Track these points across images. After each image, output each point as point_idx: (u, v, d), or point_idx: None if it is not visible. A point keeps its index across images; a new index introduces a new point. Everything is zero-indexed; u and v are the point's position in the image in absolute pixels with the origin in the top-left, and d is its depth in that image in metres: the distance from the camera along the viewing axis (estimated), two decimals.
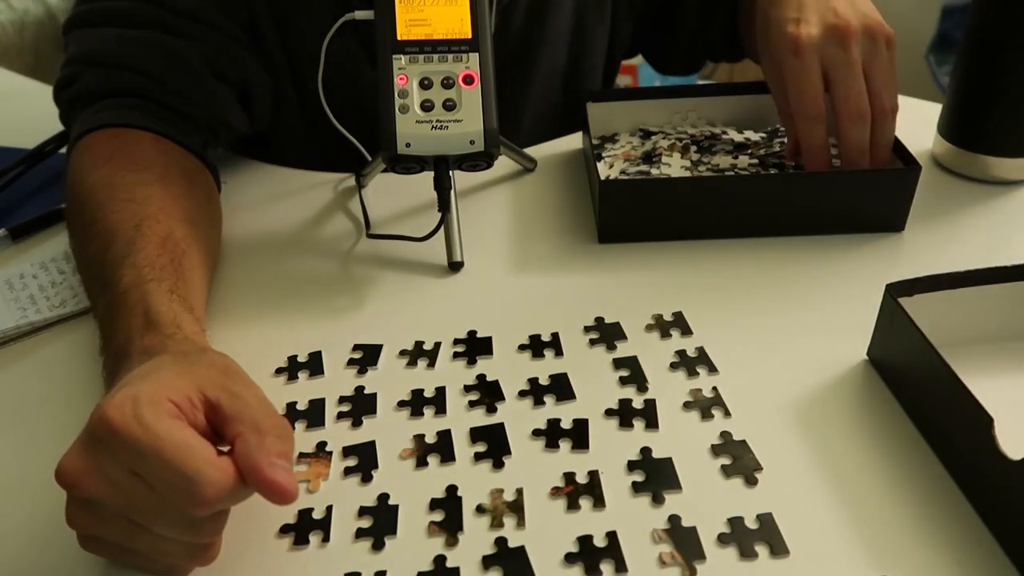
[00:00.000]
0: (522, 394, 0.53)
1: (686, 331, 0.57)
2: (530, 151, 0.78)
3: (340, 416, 0.52)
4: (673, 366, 0.54)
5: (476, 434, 0.50)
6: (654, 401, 0.51)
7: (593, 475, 0.47)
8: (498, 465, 0.48)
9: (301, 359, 0.57)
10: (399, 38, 0.59)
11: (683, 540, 0.43)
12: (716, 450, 0.48)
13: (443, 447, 0.49)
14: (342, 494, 0.47)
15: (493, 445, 0.49)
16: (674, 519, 0.44)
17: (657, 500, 0.45)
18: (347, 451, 0.50)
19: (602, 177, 0.68)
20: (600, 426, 0.50)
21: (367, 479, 0.48)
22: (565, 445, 0.49)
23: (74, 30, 0.69)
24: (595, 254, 0.65)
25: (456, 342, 0.57)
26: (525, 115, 0.88)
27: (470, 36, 0.60)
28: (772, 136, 0.75)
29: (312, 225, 0.71)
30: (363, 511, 0.46)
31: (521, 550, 0.43)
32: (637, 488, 0.46)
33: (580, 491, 0.46)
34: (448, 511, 0.45)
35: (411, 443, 0.50)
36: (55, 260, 0.68)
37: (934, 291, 0.50)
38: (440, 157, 0.60)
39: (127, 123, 0.64)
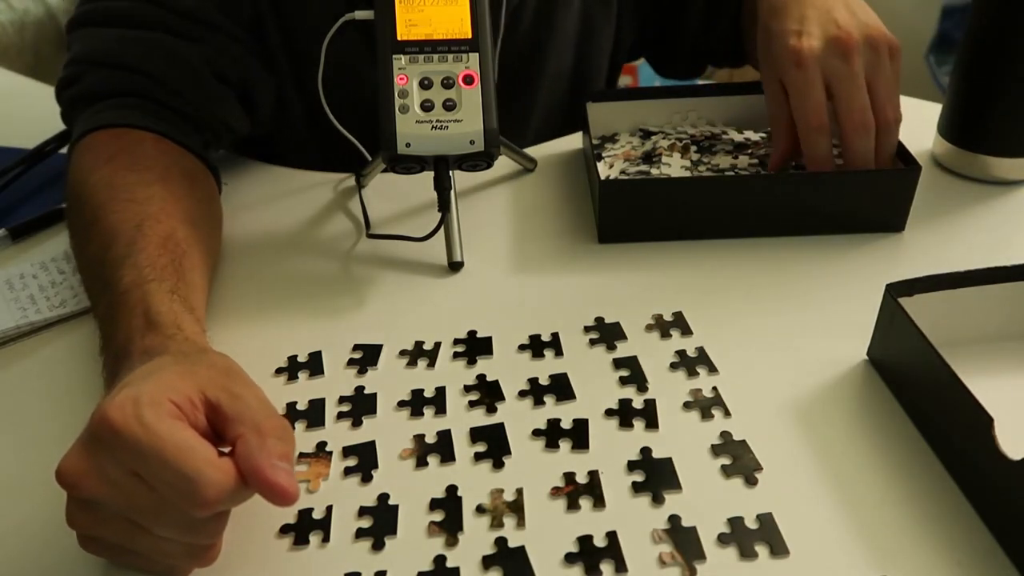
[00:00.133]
0: (522, 394, 0.53)
1: (686, 331, 0.57)
2: (530, 151, 0.78)
3: (340, 416, 0.52)
4: (673, 366, 0.54)
5: (476, 434, 0.50)
6: (654, 401, 0.51)
7: (593, 475, 0.47)
8: (498, 465, 0.48)
9: (301, 359, 0.57)
10: (399, 38, 0.59)
11: (683, 540, 0.43)
12: (716, 450, 0.48)
13: (443, 447, 0.49)
14: (342, 494, 0.47)
15: (493, 445, 0.49)
16: (674, 519, 0.44)
17: (657, 500, 0.45)
18: (347, 451, 0.50)
19: (602, 177, 0.68)
20: (600, 426, 0.50)
21: (367, 479, 0.48)
22: (565, 445, 0.49)
23: (77, 29, 0.69)
24: (595, 254, 0.65)
25: (456, 342, 0.57)
26: (532, 116, 0.89)
27: (470, 36, 0.60)
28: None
29: (312, 225, 0.71)
30: (363, 511, 0.46)
31: (521, 550, 0.43)
32: (637, 488, 0.46)
33: (580, 491, 0.46)
34: (448, 511, 0.45)
35: (411, 443, 0.50)
36: (55, 260, 0.68)
37: (934, 291, 0.50)
38: (440, 157, 0.60)
39: (128, 123, 0.64)
